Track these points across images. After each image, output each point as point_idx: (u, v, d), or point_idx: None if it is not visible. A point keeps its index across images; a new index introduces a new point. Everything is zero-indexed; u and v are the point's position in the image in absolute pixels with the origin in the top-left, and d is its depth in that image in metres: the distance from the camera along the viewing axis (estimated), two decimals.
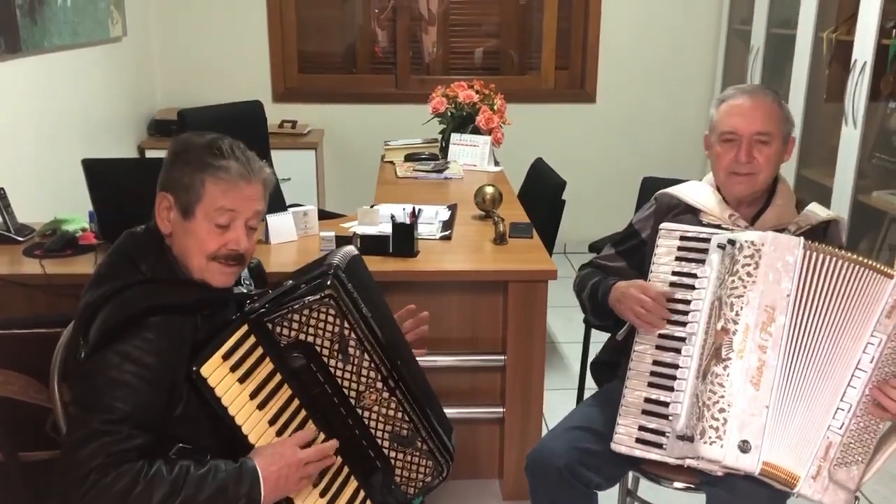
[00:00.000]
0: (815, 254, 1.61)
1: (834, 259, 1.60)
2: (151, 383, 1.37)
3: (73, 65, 3.44)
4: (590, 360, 2.18)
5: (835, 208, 3.34)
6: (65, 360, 1.59)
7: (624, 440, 1.74)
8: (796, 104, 3.72)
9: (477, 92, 3.64)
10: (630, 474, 1.96)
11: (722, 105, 1.81)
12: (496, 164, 3.62)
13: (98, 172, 2.31)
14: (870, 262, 1.58)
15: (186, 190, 1.46)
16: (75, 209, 2.58)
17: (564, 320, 3.74)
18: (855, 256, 1.60)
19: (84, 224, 2.45)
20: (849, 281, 1.59)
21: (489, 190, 2.75)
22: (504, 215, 2.62)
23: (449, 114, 3.67)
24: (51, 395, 1.64)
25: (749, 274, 1.61)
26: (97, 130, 3.71)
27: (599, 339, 2.14)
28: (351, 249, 1.64)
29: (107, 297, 1.41)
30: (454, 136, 3.63)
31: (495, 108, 3.61)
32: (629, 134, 4.79)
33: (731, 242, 1.66)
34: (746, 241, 1.64)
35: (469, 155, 3.58)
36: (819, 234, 1.80)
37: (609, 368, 2.03)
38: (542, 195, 3.23)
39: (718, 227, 1.80)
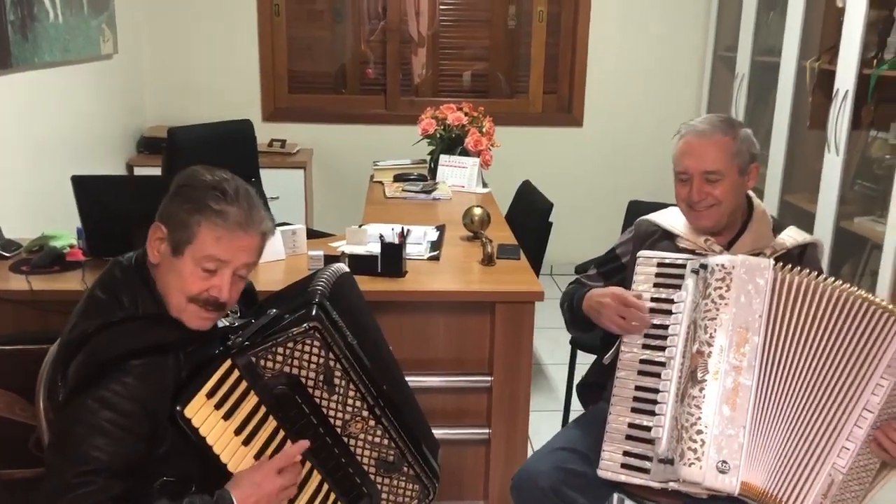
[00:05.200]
0: (786, 276, 1.63)
1: (812, 283, 1.62)
2: (129, 430, 1.34)
3: (64, 81, 3.44)
4: (576, 381, 2.19)
5: (818, 234, 3.38)
6: (50, 380, 1.57)
7: (609, 466, 1.75)
8: (780, 131, 3.77)
9: (466, 114, 3.68)
10: (615, 496, 1.97)
11: (679, 142, 1.84)
12: (484, 185, 3.65)
13: (87, 189, 2.31)
14: (874, 298, 1.59)
15: (181, 227, 1.42)
16: (63, 225, 2.57)
17: (551, 342, 3.75)
18: (832, 281, 1.62)
19: (72, 240, 2.45)
20: (841, 309, 1.60)
21: (477, 211, 2.77)
22: (492, 237, 2.64)
23: (438, 135, 3.70)
24: (36, 413, 1.63)
25: (721, 297, 1.64)
26: (86, 147, 3.71)
27: (585, 361, 2.16)
28: (340, 267, 1.64)
29: (87, 337, 1.37)
30: (443, 158, 3.65)
31: (484, 130, 3.65)
32: (616, 158, 4.83)
33: (704, 267, 1.70)
34: (717, 265, 1.67)
35: (457, 176, 3.60)
36: (795, 257, 1.83)
37: (595, 390, 2.04)
38: (530, 217, 3.26)
39: (694, 252, 1.83)
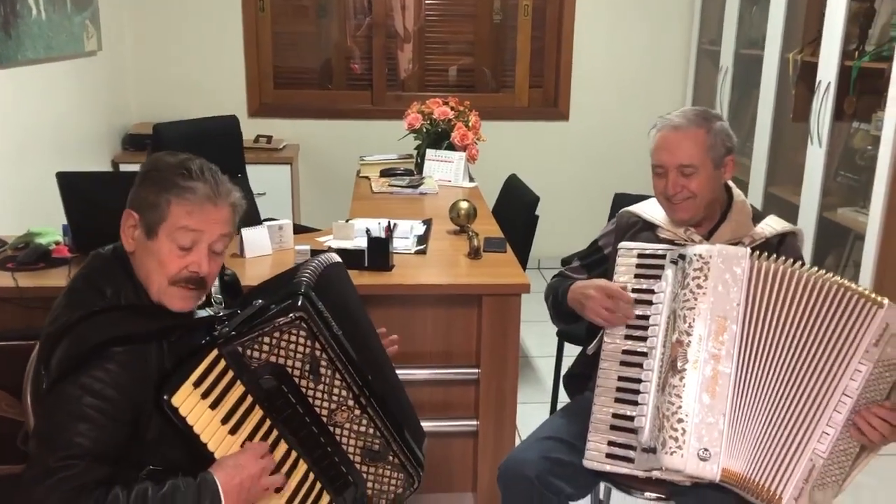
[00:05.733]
0: (763, 265, 1.65)
1: (789, 271, 1.64)
2: (112, 417, 1.34)
3: (48, 78, 3.43)
4: (562, 373, 2.21)
5: (801, 225, 3.41)
6: (34, 372, 1.57)
7: (595, 456, 1.77)
8: (764, 123, 3.80)
9: (452, 109, 3.68)
10: (601, 485, 1.99)
11: (655, 136, 1.85)
12: (471, 179, 3.66)
13: (72, 185, 2.31)
14: (851, 285, 1.61)
15: (152, 209, 1.43)
16: (48, 223, 2.56)
17: (538, 335, 3.77)
18: (808, 268, 1.64)
19: (57, 237, 2.44)
20: (818, 296, 1.62)
21: (464, 205, 2.78)
22: (478, 230, 2.65)
23: (424, 130, 3.70)
24: (24, 409, 1.63)
25: (699, 286, 1.66)
26: (71, 144, 3.69)
27: (572, 353, 2.17)
28: (331, 257, 1.65)
29: (69, 327, 1.38)
30: (429, 152, 3.66)
31: (470, 124, 3.65)
32: (601, 151, 4.86)
33: (682, 257, 1.72)
34: (695, 255, 1.69)
35: (444, 171, 3.61)
36: (773, 246, 1.85)
37: (581, 381, 2.06)
38: (516, 211, 3.27)
39: (673, 242, 1.85)
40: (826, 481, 1.59)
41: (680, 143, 1.80)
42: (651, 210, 1.95)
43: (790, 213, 3.49)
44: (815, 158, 3.33)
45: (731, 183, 1.92)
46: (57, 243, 2.42)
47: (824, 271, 1.64)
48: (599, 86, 4.78)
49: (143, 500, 1.33)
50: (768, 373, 1.63)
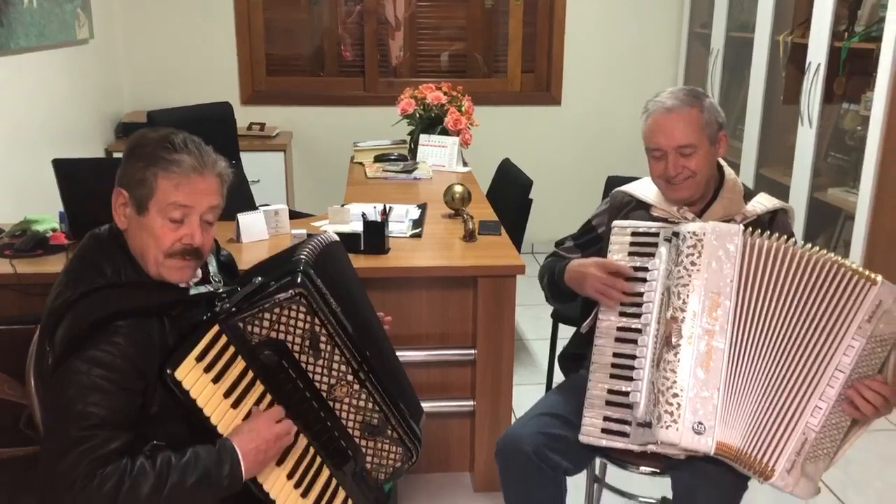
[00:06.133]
0: (756, 241, 1.68)
1: (782, 248, 1.66)
2: (122, 386, 1.37)
3: (39, 67, 3.42)
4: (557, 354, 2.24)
5: (792, 206, 3.44)
6: (37, 351, 1.59)
7: (590, 431, 1.79)
8: (755, 106, 3.83)
9: (445, 93, 3.69)
10: (597, 460, 2.02)
11: (647, 119, 1.87)
12: (465, 164, 3.68)
13: (69, 172, 2.32)
14: (844, 262, 1.63)
15: (140, 185, 1.45)
16: (44, 211, 2.57)
17: (533, 319, 3.80)
18: (801, 245, 1.67)
19: (54, 224, 2.45)
20: (811, 272, 1.64)
21: (458, 189, 2.80)
22: (473, 214, 2.67)
23: (417, 115, 3.71)
24: (27, 392, 1.65)
25: (693, 263, 1.68)
26: (64, 133, 3.69)
27: (567, 334, 2.20)
28: (329, 236, 1.67)
29: (71, 303, 1.39)
30: (423, 138, 3.67)
31: (463, 109, 3.67)
32: (594, 135, 4.87)
33: (676, 234, 1.74)
34: (689, 232, 1.71)
35: (438, 156, 3.63)
36: (765, 223, 1.87)
37: (576, 360, 2.09)
38: (510, 194, 3.29)
39: (667, 220, 1.87)
40: (818, 454, 1.62)
41: (676, 125, 1.81)
42: (644, 189, 1.97)
43: (781, 193, 3.51)
44: (806, 139, 3.35)
45: (722, 161, 1.94)
46: (54, 230, 2.43)
47: (818, 248, 1.67)
48: (591, 70, 4.79)
49: (167, 467, 1.36)
50: (762, 348, 1.66)
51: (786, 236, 1.70)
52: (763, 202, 1.91)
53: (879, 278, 1.61)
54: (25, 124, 3.27)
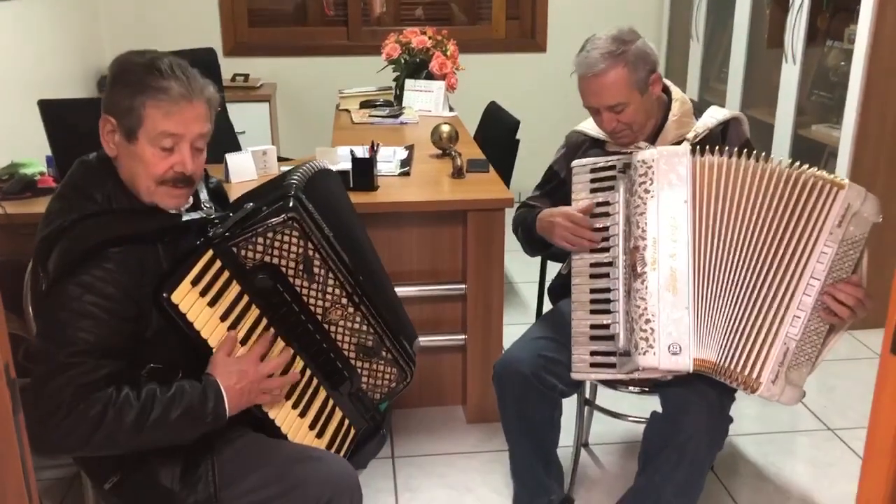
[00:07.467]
0: (706, 159, 1.69)
1: (734, 163, 1.67)
2: (114, 313, 1.37)
3: (19, 17, 3.37)
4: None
5: (776, 143, 3.47)
6: (31, 276, 1.59)
7: (580, 367, 1.82)
8: (739, 49, 3.83)
9: (430, 38, 3.68)
10: (588, 382, 2.06)
11: (577, 78, 1.88)
12: (451, 110, 3.67)
13: (54, 113, 2.31)
14: (807, 170, 1.64)
15: (128, 113, 1.42)
16: (31, 156, 2.56)
17: (521, 263, 3.80)
18: (761, 160, 1.67)
19: (41, 168, 2.45)
20: (768, 183, 1.65)
21: (445, 128, 2.80)
22: (461, 152, 2.68)
23: (402, 60, 3.70)
24: (26, 323, 1.66)
25: (647, 191, 1.70)
26: (46, 86, 3.64)
27: (554, 271, 2.22)
28: (320, 163, 1.68)
29: (64, 230, 1.39)
30: (408, 83, 3.66)
31: (448, 53, 3.65)
32: None
33: (628, 165, 1.76)
34: (639, 161, 1.73)
35: (424, 101, 3.62)
36: (717, 136, 1.89)
37: (564, 290, 2.11)
38: (497, 135, 3.30)
39: (621, 153, 1.88)
40: (800, 361, 1.66)
41: (602, 87, 1.82)
42: (596, 126, 1.98)
43: (765, 132, 3.55)
44: (790, 77, 3.37)
45: (668, 82, 1.94)
46: (41, 174, 2.43)
47: (773, 158, 1.67)
48: (576, 17, 4.76)
49: (151, 399, 1.38)
50: (728, 263, 1.68)
51: (739, 145, 1.72)
52: (714, 115, 1.92)
53: (846, 181, 1.62)
54: (9, 72, 3.23)
